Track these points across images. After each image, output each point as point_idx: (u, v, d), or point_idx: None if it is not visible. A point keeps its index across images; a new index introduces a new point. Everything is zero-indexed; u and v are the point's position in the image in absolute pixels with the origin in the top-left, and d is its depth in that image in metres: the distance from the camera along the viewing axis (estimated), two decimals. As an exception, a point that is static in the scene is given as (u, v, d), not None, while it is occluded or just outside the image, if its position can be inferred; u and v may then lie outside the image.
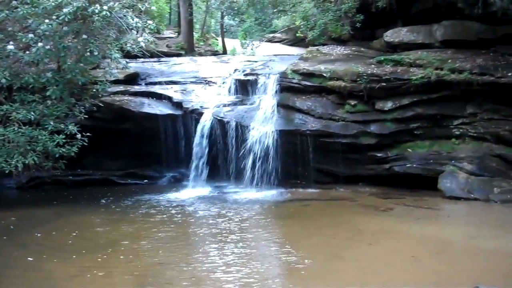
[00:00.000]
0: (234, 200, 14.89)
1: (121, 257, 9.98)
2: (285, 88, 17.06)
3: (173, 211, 13.58)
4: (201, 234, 11.79)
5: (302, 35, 23.74)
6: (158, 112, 17.23)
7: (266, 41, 28.39)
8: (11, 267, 9.56)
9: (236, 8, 28.84)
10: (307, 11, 20.83)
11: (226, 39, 29.88)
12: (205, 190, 16.29)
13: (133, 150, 17.94)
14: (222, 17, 30.87)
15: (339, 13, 19.04)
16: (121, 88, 17.81)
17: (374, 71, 16.13)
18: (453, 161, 15.20)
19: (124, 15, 14.45)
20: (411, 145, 15.99)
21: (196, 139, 16.84)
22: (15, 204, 14.79)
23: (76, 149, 13.97)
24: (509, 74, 14.85)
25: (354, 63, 16.95)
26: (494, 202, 13.92)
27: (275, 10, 23.02)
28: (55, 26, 13.40)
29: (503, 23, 15.76)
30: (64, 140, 13.72)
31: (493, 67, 15.16)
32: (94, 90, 15.99)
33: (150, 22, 14.93)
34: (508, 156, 14.93)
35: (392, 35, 18.06)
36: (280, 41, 34.06)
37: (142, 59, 19.38)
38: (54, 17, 13.38)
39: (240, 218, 12.77)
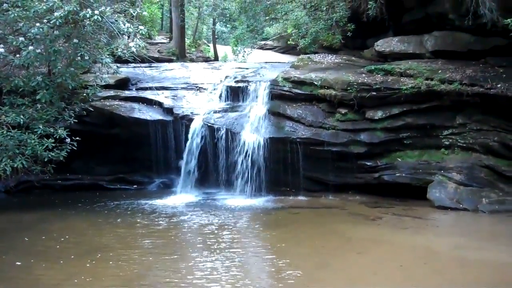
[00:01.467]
0: (223, 207, 14.88)
1: (110, 262, 9.94)
2: (276, 95, 17.09)
3: (161, 217, 13.54)
4: (188, 241, 11.77)
5: (293, 43, 23.79)
6: (148, 118, 17.20)
7: (257, 48, 28.42)
8: (-2, 271, 9.51)
9: (228, 15, 28.89)
10: (298, 19, 20.87)
11: (217, 46, 29.99)
12: (195, 196, 16.30)
13: (123, 156, 17.91)
14: (214, 24, 31.01)
15: (330, 22, 19.09)
16: (111, 93, 17.77)
17: (365, 80, 16.19)
18: (442, 171, 15.28)
19: (116, 20, 14.44)
20: (401, 155, 16.07)
21: (187, 145, 16.83)
22: (2, 208, 14.69)
23: (65, 153, 13.90)
24: (499, 85, 14.97)
25: (345, 71, 17.02)
26: (482, 213, 14.01)
27: (267, 18, 23.05)
28: (46, 30, 13.37)
29: (493, 35, 15.88)
30: (53, 144, 13.64)
31: (482, 78, 15.27)
32: (84, 94, 15.95)
33: (141, 27, 14.91)
34: (497, 166, 15.04)
35: (383, 45, 18.15)
36: (272, 48, 34.25)
37: (133, 64, 19.36)
38: (45, 20, 13.37)
39: (229, 225, 12.75)
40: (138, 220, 13.22)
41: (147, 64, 20.70)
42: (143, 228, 12.54)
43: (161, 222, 13.13)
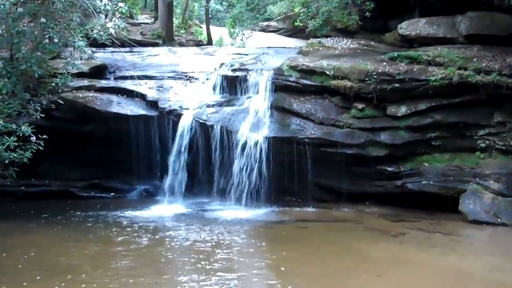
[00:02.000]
0: (217, 220, 14.86)
1: (83, 285, 9.89)
2: (281, 87, 17.10)
3: (143, 232, 13.52)
4: (175, 261, 11.71)
5: (301, 25, 23.74)
6: (128, 113, 17.21)
7: (259, 31, 28.34)
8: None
9: (224, -10, 28.90)
10: (308, -4, 20.81)
11: (211, 27, 29.88)
12: (183, 207, 16.29)
13: (98, 157, 17.91)
14: (208, 1, 30.84)
15: (345, 0, 19.03)
16: (85, 82, 17.78)
17: (386, 69, 16.17)
18: (477, 179, 15.27)
19: (91, -4, 14.38)
20: (428, 159, 16.07)
21: (174, 146, 16.82)
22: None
23: (30, 154, 13.74)
24: (545, 77, 14.93)
25: (363, 59, 17.01)
26: (524, 229, 14.00)
27: (270, -6, 23.06)
28: (8, 7, 13.29)
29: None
30: (15, 144, 13.53)
31: (526, 68, 15.23)
32: (53, 84, 15.80)
33: (121, 4, 14.84)
34: (542, 174, 15.00)
35: (408, 27, 18.15)
36: (276, 30, 34.16)
37: (111, 49, 19.31)
38: (7, -4, 13.29)
39: (224, 243, 12.72)
40: (115, 236, 13.18)
41: (127, 49, 20.63)
42: (121, 245, 12.50)
43: (142, 238, 13.09)
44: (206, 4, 30.66)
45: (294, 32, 31.59)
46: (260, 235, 13.62)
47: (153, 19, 28.07)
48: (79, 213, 15.32)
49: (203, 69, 19.20)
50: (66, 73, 15.99)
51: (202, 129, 16.77)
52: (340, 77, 16.53)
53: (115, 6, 14.81)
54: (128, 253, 11.93)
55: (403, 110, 16.05)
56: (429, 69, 16.05)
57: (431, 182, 15.64)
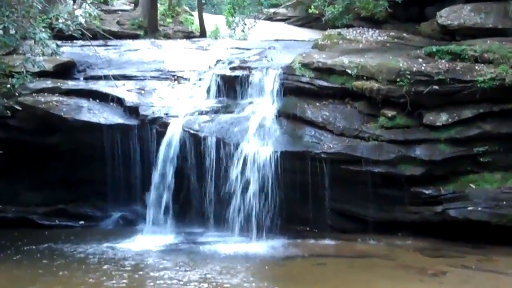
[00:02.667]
0: (213, 256, 14.79)
1: None
2: (291, 89, 17.12)
3: (120, 271, 13.40)
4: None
5: (317, 12, 23.65)
6: (102, 121, 17.17)
7: (264, 19, 28.39)
8: None
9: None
10: (325, -23, 20.78)
11: (205, 15, 29.86)
12: (170, 238, 16.24)
13: (64, 177, 17.90)
14: (200, -18, 30.86)
15: (371, -18, 19.02)
16: (48, 84, 17.79)
17: (422, 67, 16.12)
18: (537, 204, 15.14)
19: (56, -22, 14.36)
20: (475, 179, 15.95)
21: (159, 162, 16.78)
22: None
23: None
24: None
25: (393, 55, 16.98)
26: None
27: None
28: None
29: None
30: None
31: None
32: (9, 86, 15.82)
33: (93, -13, 14.83)
34: None
35: (449, 16, 18.12)
36: (285, 19, 34.09)
37: (80, 42, 19.35)
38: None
39: (221, 285, 12.60)
40: (84, 276, 13.06)
41: (101, 42, 20.70)
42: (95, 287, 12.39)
43: (119, 279, 12.95)
44: (198, -13, 30.67)
45: (308, 21, 31.51)
46: (266, 275, 13.53)
47: (132, 5, 28.09)
48: (38, 246, 15.24)
49: (194, 67, 19.22)
50: (24, 72, 15.88)
51: (194, 141, 16.70)
52: (365, 77, 16.48)
53: (85, -11, 14.80)
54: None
55: (443, 118, 15.95)
56: (476, 67, 15.97)
57: (479, 208, 15.44)
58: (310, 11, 26.15)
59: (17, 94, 16.31)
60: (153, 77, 18.93)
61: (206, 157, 16.57)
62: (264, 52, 19.56)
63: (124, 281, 12.81)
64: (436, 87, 15.86)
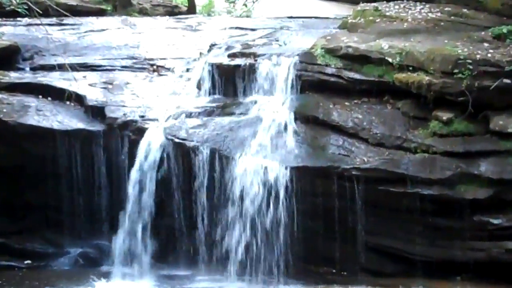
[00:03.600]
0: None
1: None
2: (311, 84, 17.14)
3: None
4: None
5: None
6: (55, 126, 17.19)
7: (273, -9, 28.48)
8: None
9: None
10: None
11: (195, -16, 29.94)
12: (148, 284, 16.21)
13: (5, 201, 17.74)
14: None
15: None
16: (-18, 76, 17.79)
17: (489, 55, 16.07)
18: None
19: None
20: (561, 204, 15.86)
21: (132, 182, 16.77)
22: None
23: None
24: None
25: (449, 37, 16.99)
26: None
27: None
28: None
29: None
30: None
31: None
32: None
33: None
34: None
35: (525, -15, 18.11)
36: (301, -9, 34.20)
37: (26, 20, 19.29)
38: None
39: None
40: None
41: (54, 20, 20.69)
42: None
43: None
44: None
45: (332, -7, 31.64)
46: None
47: (96, -29, 28.14)
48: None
49: (180, 53, 19.42)
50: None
51: (180, 154, 16.68)
52: (411, 68, 16.43)
53: None
54: None
55: (517, 123, 15.93)
56: (560, 55, 15.97)
57: None
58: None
59: None
60: (124, 67, 19.06)
61: (197, 175, 16.51)
62: (274, 34, 19.66)
63: None
64: (507, 80, 15.77)
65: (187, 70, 18.52)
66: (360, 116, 16.52)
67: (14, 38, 18.98)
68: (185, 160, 16.63)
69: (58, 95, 17.80)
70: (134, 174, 16.76)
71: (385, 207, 16.13)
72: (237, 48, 18.58)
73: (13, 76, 18.14)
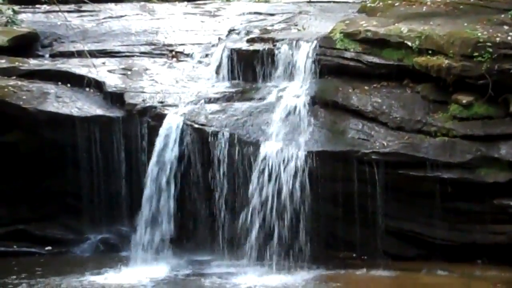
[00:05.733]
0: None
1: None
2: (330, 68, 17.13)
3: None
4: None
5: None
6: (75, 113, 17.22)
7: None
8: None
9: None
10: None
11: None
12: (167, 268, 16.19)
13: (25, 188, 17.88)
14: None
15: None
16: (2, 63, 17.92)
17: (509, 37, 16.01)
18: None
19: None
20: None
21: (151, 168, 16.78)
22: None
23: None
24: None
25: (469, 20, 16.93)
26: None
27: None
28: None
29: None
30: None
31: None
32: None
33: None
34: None
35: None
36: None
37: (45, 7, 19.28)
38: None
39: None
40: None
41: (73, 6, 20.68)
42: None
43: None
44: None
45: (353, -25, 31.53)
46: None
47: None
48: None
49: (199, 39, 19.41)
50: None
51: (199, 139, 16.71)
52: (430, 51, 16.36)
53: None
54: None
55: (538, 106, 15.88)
56: None
57: None
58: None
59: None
60: (143, 53, 19.09)
61: (216, 160, 16.52)
62: (293, 19, 19.61)
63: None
64: (530, 64, 15.82)
65: (206, 55, 18.53)
66: (379, 100, 16.50)
67: (33, 25, 19.04)
68: (205, 146, 16.65)
69: (77, 81, 17.84)
70: (153, 159, 16.79)
71: (405, 191, 16.11)
72: (256, 33, 18.60)
73: (32, 63, 18.19)
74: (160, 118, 16.98)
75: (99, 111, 17.35)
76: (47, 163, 17.55)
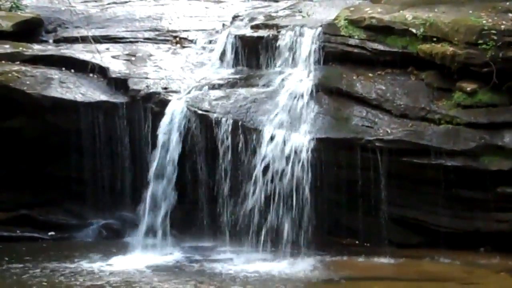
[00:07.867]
0: (227, 279, 14.72)
1: None
2: (335, 55, 17.13)
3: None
4: None
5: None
6: (78, 98, 17.23)
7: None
8: None
9: None
10: None
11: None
12: (171, 255, 16.24)
13: (28, 173, 17.90)
14: None
15: None
16: (6, 48, 17.89)
17: (513, 24, 16.03)
18: None
19: None
20: None
21: (155, 154, 16.80)
22: None
23: None
24: None
25: (473, 7, 16.88)
26: None
27: None
28: None
29: None
30: None
31: None
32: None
33: None
34: None
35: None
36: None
37: (49, -8, 19.30)
38: None
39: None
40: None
41: (77, -9, 20.69)
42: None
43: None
44: None
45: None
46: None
47: None
48: (-1, 263, 15.29)
49: (203, 25, 19.41)
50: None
51: (203, 125, 16.71)
52: (435, 39, 16.34)
53: None
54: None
55: (542, 93, 15.85)
56: None
57: None
58: None
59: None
60: (147, 39, 19.10)
61: (220, 146, 16.52)
62: (297, 5, 19.56)
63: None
64: (533, 51, 15.78)
65: (210, 42, 18.55)
66: (383, 88, 16.50)
67: (37, 10, 19.03)
68: (208, 132, 16.65)
69: (81, 67, 17.85)
70: (157, 145, 16.81)
71: (408, 178, 16.13)
72: (260, 20, 18.60)
73: (36, 49, 18.19)
74: (163, 104, 17.00)
75: (103, 97, 17.36)
76: (51, 149, 17.55)
